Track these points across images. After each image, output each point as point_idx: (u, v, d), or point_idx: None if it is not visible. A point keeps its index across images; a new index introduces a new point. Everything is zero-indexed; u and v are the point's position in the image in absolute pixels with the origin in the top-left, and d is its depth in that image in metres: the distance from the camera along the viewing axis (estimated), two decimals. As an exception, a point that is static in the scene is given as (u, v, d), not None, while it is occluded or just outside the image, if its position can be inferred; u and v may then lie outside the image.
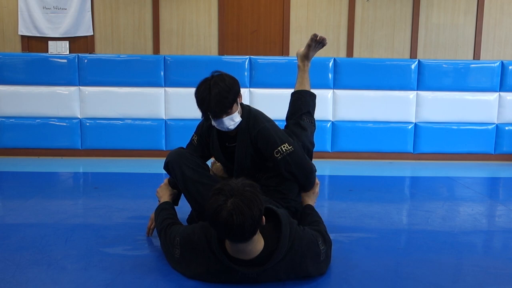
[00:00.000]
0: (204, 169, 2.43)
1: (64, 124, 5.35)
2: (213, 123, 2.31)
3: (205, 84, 2.22)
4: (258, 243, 1.86)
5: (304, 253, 1.94)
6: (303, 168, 2.35)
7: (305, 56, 2.82)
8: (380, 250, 2.42)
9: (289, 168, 2.31)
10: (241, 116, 2.34)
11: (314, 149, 2.70)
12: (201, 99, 2.21)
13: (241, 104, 2.37)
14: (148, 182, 4.15)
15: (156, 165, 4.15)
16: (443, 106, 5.41)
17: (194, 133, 2.59)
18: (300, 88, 2.80)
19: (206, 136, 2.52)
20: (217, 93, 2.17)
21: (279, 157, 2.29)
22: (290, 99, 2.79)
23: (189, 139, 2.62)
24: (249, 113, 2.38)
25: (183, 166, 2.35)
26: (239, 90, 2.31)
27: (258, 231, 1.82)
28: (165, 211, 2.38)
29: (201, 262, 1.94)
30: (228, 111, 2.24)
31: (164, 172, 2.53)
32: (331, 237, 2.16)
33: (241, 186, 1.74)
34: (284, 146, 2.29)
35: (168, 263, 2.15)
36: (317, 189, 2.57)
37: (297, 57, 2.88)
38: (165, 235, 2.18)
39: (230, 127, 2.30)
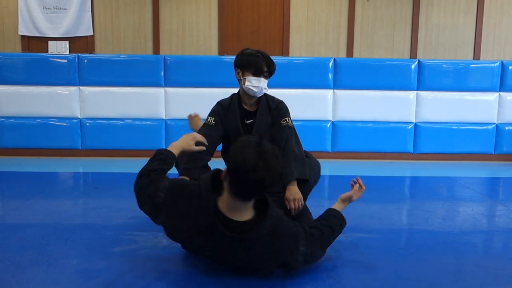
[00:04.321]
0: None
1: (64, 124, 5.35)
2: (251, 83, 2.69)
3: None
4: (251, 210, 1.89)
5: (282, 244, 1.92)
6: (298, 142, 2.76)
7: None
8: (380, 250, 2.42)
9: (285, 136, 2.70)
10: None
11: (314, 149, 2.70)
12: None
13: None
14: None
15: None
16: (443, 106, 5.41)
17: (209, 116, 2.79)
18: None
19: (223, 118, 2.80)
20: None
21: (284, 123, 2.75)
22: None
23: (203, 122, 2.84)
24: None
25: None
26: None
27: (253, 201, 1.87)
28: (162, 163, 2.14)
29: (185, 213, 1.89)
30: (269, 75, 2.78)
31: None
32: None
33: (266, 143, 1.78)
34: (289, 119, 2.78)
35: (139, 207, 2.06)
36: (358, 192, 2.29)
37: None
38: (148, 177, 2.04)
39: (262, 90, 2.75)
